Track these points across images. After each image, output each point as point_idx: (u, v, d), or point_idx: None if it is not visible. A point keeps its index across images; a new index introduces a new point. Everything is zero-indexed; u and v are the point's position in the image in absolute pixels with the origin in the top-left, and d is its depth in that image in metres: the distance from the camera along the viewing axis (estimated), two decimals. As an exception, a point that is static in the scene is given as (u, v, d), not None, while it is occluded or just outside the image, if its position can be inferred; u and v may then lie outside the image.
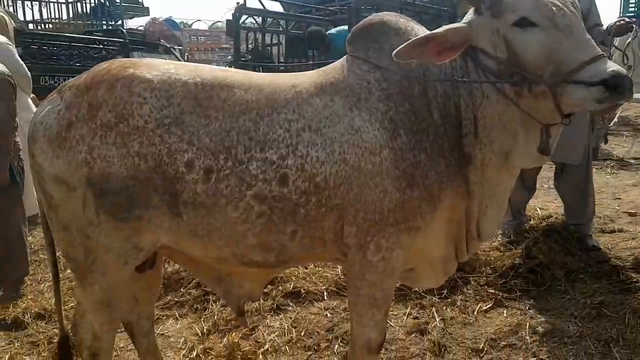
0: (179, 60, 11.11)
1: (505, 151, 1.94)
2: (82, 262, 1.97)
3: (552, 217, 4.43)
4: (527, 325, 3.09)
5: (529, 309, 3.29)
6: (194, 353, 2.98)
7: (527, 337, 2.99)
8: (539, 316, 3.21)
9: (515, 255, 3.75)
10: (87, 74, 1.97)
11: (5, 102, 3.61)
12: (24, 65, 5.34)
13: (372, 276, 1.98)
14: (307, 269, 3.78)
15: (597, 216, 4.52)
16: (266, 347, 2.99)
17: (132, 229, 1.91)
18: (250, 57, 8.73)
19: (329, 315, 3.31)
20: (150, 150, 1.84)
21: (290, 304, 3.45)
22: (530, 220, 4.40)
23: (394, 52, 1.79)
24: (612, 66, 1.66)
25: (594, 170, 5.90)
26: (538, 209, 4.70)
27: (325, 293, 3.53)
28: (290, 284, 3.59)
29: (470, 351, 2.91)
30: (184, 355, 2.99)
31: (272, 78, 2.06)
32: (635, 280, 3.51)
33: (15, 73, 5.16)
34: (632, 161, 6.76)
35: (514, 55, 1.80)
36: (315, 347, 2.99)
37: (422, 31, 1.98)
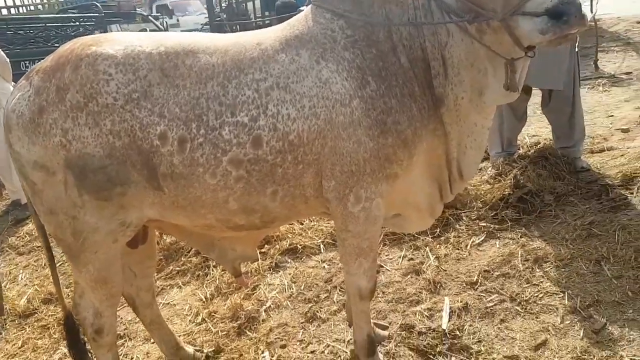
0: (158, 27, 10.84)
1: (478, 89, 1.93)
2: (72, 244, 2.00)
3: (540, 143, 4.41)
4: (519, 253, 3.14)
5: (521, 237, 3.34)
6: (200, 317, 3.09)
7: (520, 265, 3.05)
8: (530, 243, 3.26)
9: (505, 186, 3.77)
10: (52, 56, 1.95)
11: None
12: (1, 52, 5.24)
13: (355, 227, 2.02)
14: (302, 224, 3.83)
15: (589, 136, 4.48)
16: (268, 304, 3.08)
17: (117, 207, 1.93)
18: (225, 15, 8.49)
19: (326, 267, 3.39)
20: (123, 127, 1.83)
21: (289, 260, 3.52)
22: (519, 149, 4.39)
23: None
24: None
25: (585, 90, 5.78)
26: (527, 137, 4.66)
27: (321, 246, 3.60)
28: (287, 242, 3.65)
29: (464, 285, 2.98)
30: (190, 320, 3.10)
31: (237, 38, 2.02)
32: (624, 197, 3.53)
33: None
34: (624, 77, 6.51)
35: None
36: (315, 299, 3.08)
37: None
